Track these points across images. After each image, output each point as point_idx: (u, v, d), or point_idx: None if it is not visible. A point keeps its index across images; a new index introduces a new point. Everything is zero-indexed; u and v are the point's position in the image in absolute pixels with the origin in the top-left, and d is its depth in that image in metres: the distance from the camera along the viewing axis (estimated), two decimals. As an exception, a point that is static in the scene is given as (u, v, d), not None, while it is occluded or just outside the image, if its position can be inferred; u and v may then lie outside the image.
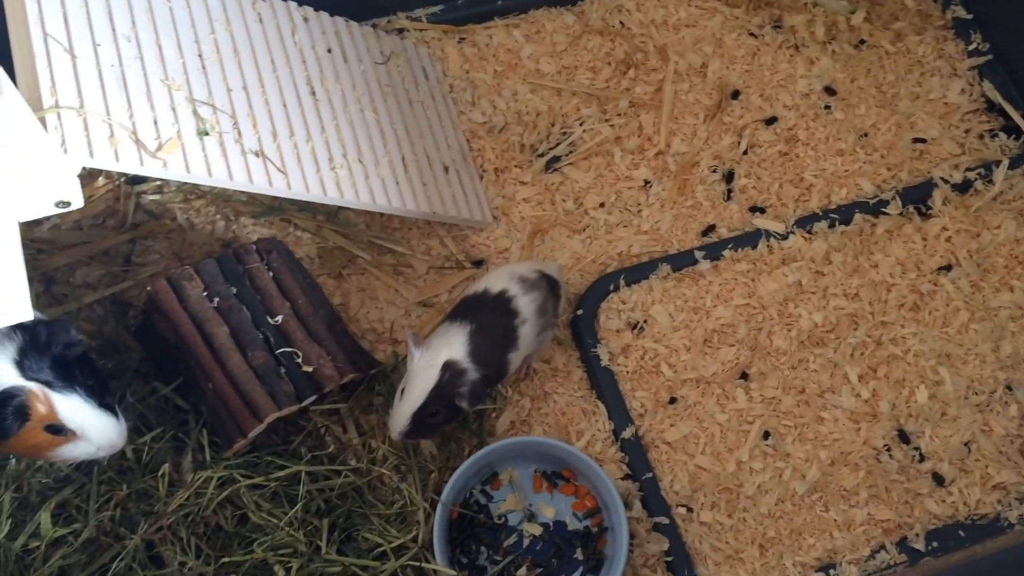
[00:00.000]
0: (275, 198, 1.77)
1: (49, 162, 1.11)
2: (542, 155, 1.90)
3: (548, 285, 1.57)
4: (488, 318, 1.49)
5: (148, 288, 1.45)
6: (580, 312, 1.70)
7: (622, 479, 1.59)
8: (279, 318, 1.47)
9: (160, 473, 1.45)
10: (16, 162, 1.05)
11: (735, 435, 1.64)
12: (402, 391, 1.45)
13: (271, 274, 1.51)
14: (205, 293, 1.45)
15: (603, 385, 1.64)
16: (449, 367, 1.43)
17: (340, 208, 1.77)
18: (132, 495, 1.46)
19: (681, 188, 1.87)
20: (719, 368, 1.68)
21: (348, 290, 1.74)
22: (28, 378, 1.27)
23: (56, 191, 1.13)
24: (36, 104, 1.19)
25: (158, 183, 1.77)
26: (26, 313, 1.11)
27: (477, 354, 1.45)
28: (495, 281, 1.54)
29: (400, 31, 1.93)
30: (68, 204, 1.15)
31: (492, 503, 1.56)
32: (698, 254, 1.76)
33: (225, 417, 1.43)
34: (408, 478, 1.53)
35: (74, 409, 1.30)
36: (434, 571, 1.43)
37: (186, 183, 1.75)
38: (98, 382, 1.35)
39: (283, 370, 1.44)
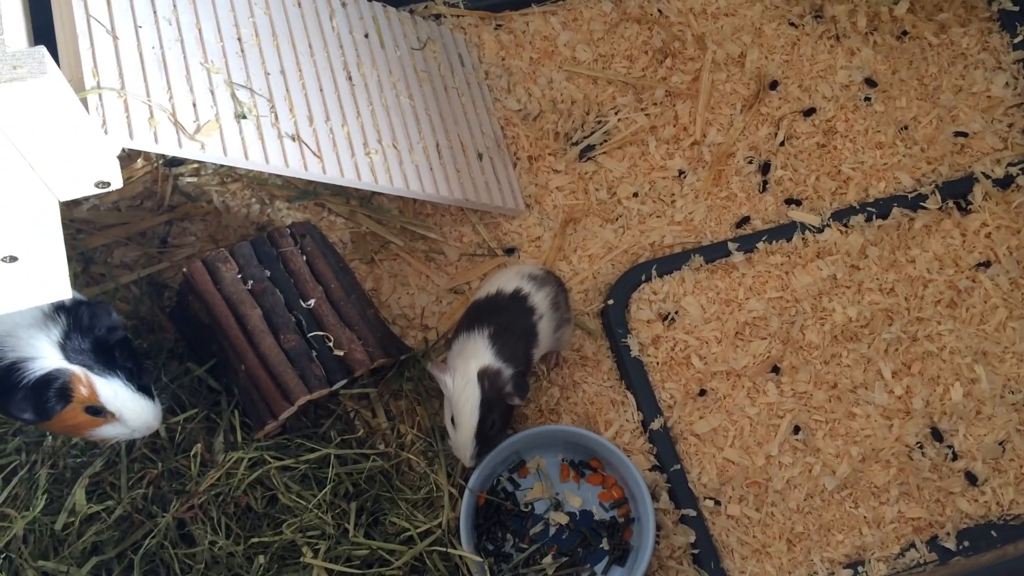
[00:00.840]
0: (310, 182, 1.78)
1: (90, 143, 1.12)
2: (576, 143, 1.89)
3: (556, 281, 1.58)
4: (506, 318, 1.49)
5: (184, 269, 1.47)
6: (611, 302, 1.70)
7: (649, 470, 1.59)
8: (312, 302, 1.48)
9: (192, 453, 1.48)
10: (58, 142, 1.07)
11: (765, 429, 1.63)
12: (451, 420, 1.46)
13: (304, 258, 1.52)
14: (239, 275, 1.47)
15: (633, 375, 1.64)
16: (485, 374, 1.43)
17: (374, 193, 1.78)
18: (164, 474, 1.48)
19: (716, 179, 1.86)
20: (750, 361, 1.67)
21: (380, 275, 1.74)
22: (71, 360, 1.30)
23: (96, 171, 1.14)
24: (78, 85, 1.20)
25: (195, 165, 1.79)
26: (65, 292, 1.13)
27: (504, 353, 1.46)
28: (507, 281, 1.54)
29: (437, 17, 1.93)
30: (108, 184, 1.16)
31: (519, 491, 1.57)
32: (731, 246, 1.75)
33: (257, 399, 1.44)
34: (435, 464, 1.54)
35: (114, 392, 1.33)
36: (460, 556, 1.43)
37: (223, 166, 1.77)
38: (136, 365, 1.38)
39: (314, 353, 1.46)
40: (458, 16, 1.96)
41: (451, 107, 1.78)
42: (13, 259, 1.02)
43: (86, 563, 1.38)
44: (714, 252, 1.75)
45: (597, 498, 1.56)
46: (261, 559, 1.41)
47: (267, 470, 1.46)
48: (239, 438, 1.48)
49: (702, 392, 1.65)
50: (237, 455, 1.45)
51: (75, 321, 1.32)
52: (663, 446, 1.59)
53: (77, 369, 1.30)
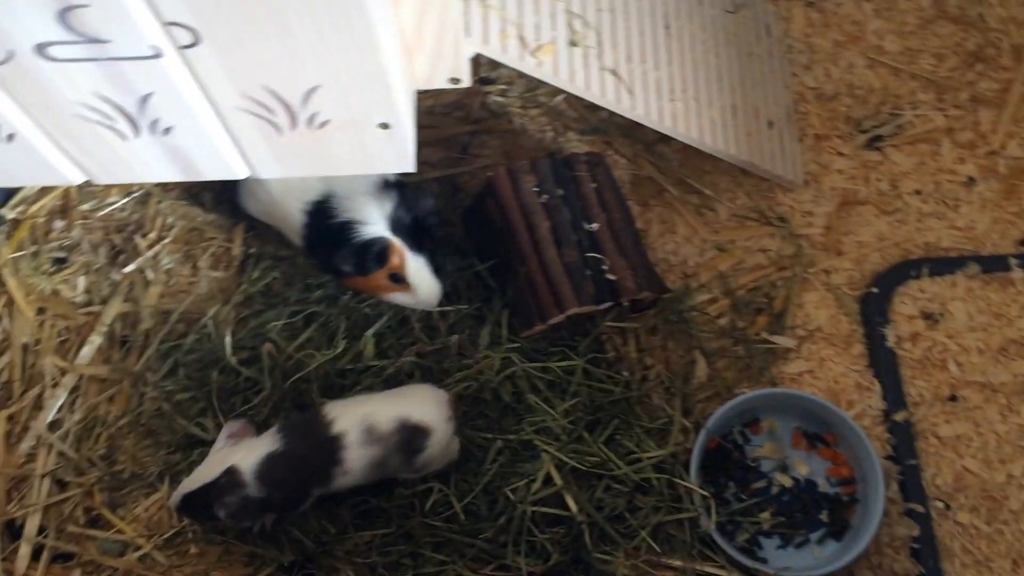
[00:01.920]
0: (602, 120, 1.89)
1: (453, 41, 1.27)
2: (866, 131, 1.89)
3: (402, 440, 1.43)
4: (304, 450, 1.41)
5: (489, 174, 1.61)
6: (875, 290, 1.71)
7: (884, 459, 1.60)
8: (595, 225, 1.59)
9: (456, 338, 1.63)
10: (432, 36, 1.21)
11: (1012, 448, 1.60)
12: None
13: (595, 185, 1.63)
14: (536, 189, 1.60)
15: (883, 365, 1.65)
16: (229, 473, 1.37)
17: (658, 140, 1.87)
18: (433, 352, 1.64)
19: (1008, 192, 1.81)
20: (1010, 379, 1.64)
21: (650, 219, 1.83)
22: (393, 232, 1.48)
23: (452, 69, 1.28)
24: (451, -11, 1.35)
25: (503, 87, 1.94)
26: (410, 166, 1.29)
27: (266, 477, 1.38)
28: (341, 415, 1.43)
29: (754, -15, 1.97)
30: (459, 82, 1.30)
31: (748, 445, 1.62)
32: (1013, 261, 1.71)
33: (530, 301, 1.57)
34: (674, 401, 1.62)
35: (417, 267, 1.51)
36: (685, 487, 1.51)
37: (527, 91, 1.91)
38: (436, 248, 1.55)
39: (589, 272, 1.56)
40: (774, -12, 2.00)
41: (751, 73, 1.83)
42: (386, 126, 1.17)
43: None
44: (993, 264, 1.71)
45: (825, 472, 1.59)
46: (499, 443, 1.55)
47: (522, 368, 1.59)
48: (504, 335, 1.62)
49: (952, 397, 1.63)
50: (501, 351, 1.59)
51: (402, 199, 1.50)
52: (902, 439, 1.59)
53: (396, 240, 1.48)
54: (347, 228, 1.49)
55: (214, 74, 1.04)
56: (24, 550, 1.55)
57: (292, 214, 1.57)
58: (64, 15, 0.93)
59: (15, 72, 1.03)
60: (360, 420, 1.42)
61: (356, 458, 1.42)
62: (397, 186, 1.54)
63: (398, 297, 1.56)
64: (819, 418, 1.60)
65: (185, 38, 0.97)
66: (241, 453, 1.41)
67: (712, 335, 1.71)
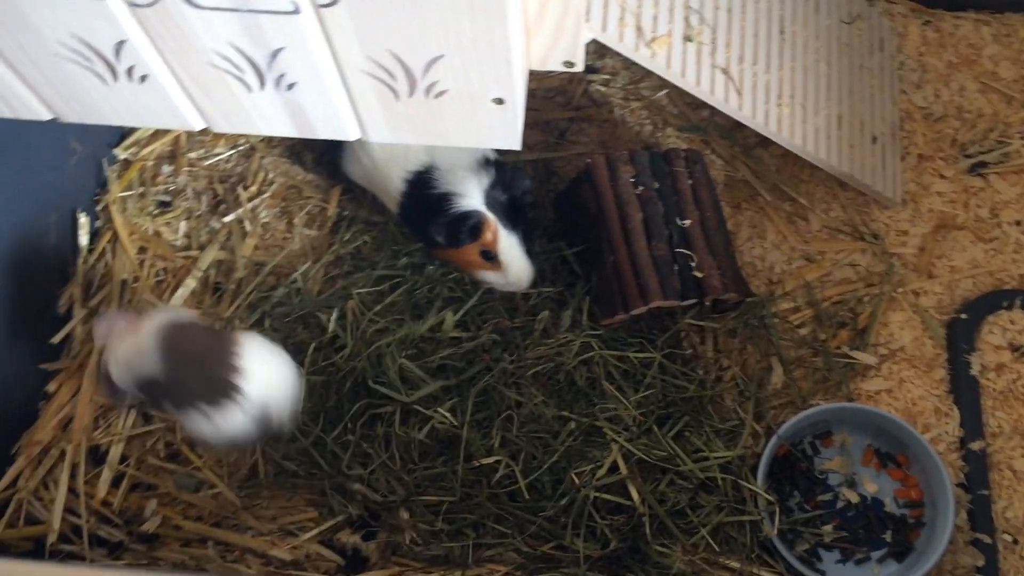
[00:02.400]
0: (702, 118, 1.89)
1: (572, 24, 1.28)
2: (970, 156, 1.86)
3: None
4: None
5: (587, 160, 1.63)
6: (963, 316, 1.68)
7: (955, 486, 1.58)
8: (687, 222, 1.60)
9: (539, 318, 1.65)
10: (553, 17, 1.23)
11: (1090, 491, 1.56)
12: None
13: (691, 182, 1.64)
14: (632, 179, 1.61)
15: (964, 392, 1.62)
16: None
17: (757, 144, 1.86)
18: (512, 329, 1.67)
19: (1114, 232, 1.76)
20: (1096, 421, 1.60)
21: (741, 222, 1.83)
22: (488, 208, 1.51)
23: (568, 52, 1.30)
24: (573, -26, 1.37)
25: (606, 76, 1.95)
26: (516, 143, 1.31)
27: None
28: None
29: (871, -2, 1.95)
30: (572, 66, 1.32)
31: (818, 457, 1.61)
32: (1113, 303, 1.67)
33: (615, 290, 1.58)
34: (747, 404, 1.62)
35: (509, 246, 1.53)
36: (750, 490, 1.51)
37: (630, 83, 1.92)
38: (528, 230, 1.57)
39: (676, 267, 1.57)
40: (891, 3, 1.97)
41: (860, 86, 1.81)
42: (501, 101, 1.20)
43: (434, 379, 1.60)
44: (1091, 303, 1.68)
45: (893, 492, 1.58)
46: (572, 425, 1.57)
47: (600, 355, 1.61)
48: (584, 320, 1.64)
49: (1033, 432, 1.60)
50: (581, 336, 1.61)
51: (500, 176, 1.53)
52: (976, 468, 1.57)
53: (491, 216, 1.51)
54: (445, 200, 1.52)
55: (345, 35, 1.07)
56: (106, 475, 1.63)
57: (392, 181, 1.61)
58: (215, -35, 0.98)
59: (159, 15, 1.08)
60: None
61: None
62: (496, 164, 1.57)
63: (489, 276, 1.59)
64: (894, 438, 1.58)
65: (325, -3, 1.01)
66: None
67: (792, 344, 1.70)
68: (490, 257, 1.54)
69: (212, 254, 1.79)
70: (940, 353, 1.69)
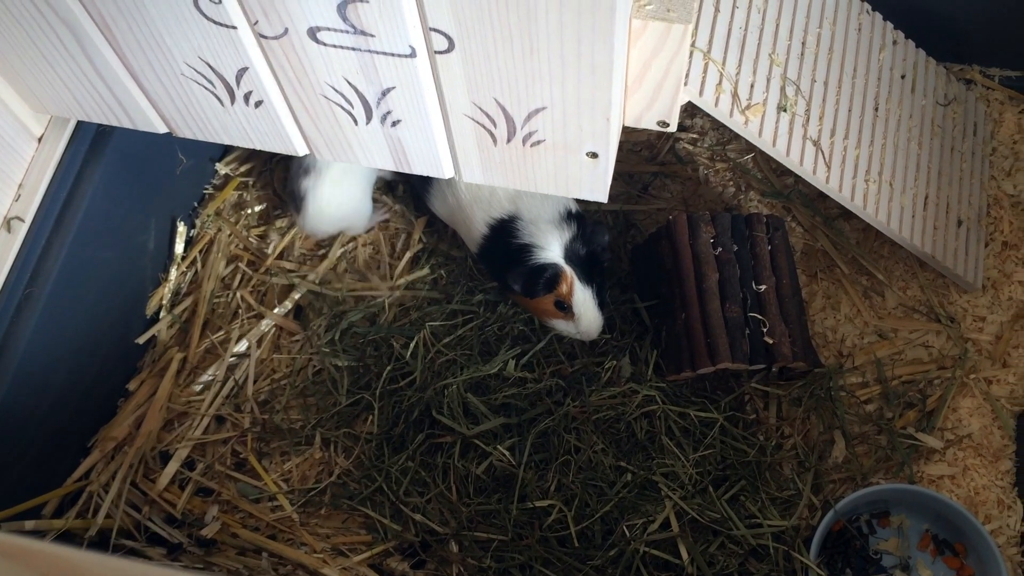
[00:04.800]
0: (785, 185, 1.90)
1: (672, 87, 1.32)
2: (1057, 248, 1.84)
3: None
4: None
5: (670, 217, 1.65)
6: (1036, 410, 1.66)
7: (1013, 581, 1.55)
8: (763, 287, 1.61)
9: (605, 366, 1.67)
10: (654, 77, 1.27)
11: None
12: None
13: (770, 248, 1.65)
14: (712, 240, 1.63)
15: (1031, 487, 1.60)
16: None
17: (840, 216, 1.87)
18: (575, 374, 1.69)
19: None
20: None
21: (815, 291, 1.83)
22: (567, 260, 1.55)
23: (664, 112, 1.33)
24: (675, 38, 1.41)
25: (694, 135, 1.98)
26: (603, 196, 1.34)
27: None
28: None
29: (968, 82, 1.95)
30: (667, 125, 1.35)
31: (873, 536, 1.60)
32: None
33: (684, 347, 1.60)
34: (806, 476, 1.61)
35: (583, 299, 1.57)
36: (803, 562, 1.50)
37: (718, 144, 1.95)
38: (602, 283, 1.61)
39: (747, 331, 1.58)
40: (988, 88, 1.96)
41: (950, 168, 1.81)
42: (595, 155, 1.24)
43: (496, 415, 1.63)
44: None
45: (948, 580, 1.55)
46: (628, 476, 1.58)
47: (663, 409, 1.62)
48: (650, 373, 1.65)
49: (1100, 536, 1.56)
50: (644, 389, 1.62)
51: (581, 231, 1.57)
52: (1037, 566, 1.54)
53: (568, 269, 1.55)
54: (525, 251, 1.57)
55: (455, 81, 1.13)
56: (170, 476, 1.68)
57: (475, 223, 1.66)
58: (343, 7, 1.04)
59: (284, 47, 1.14)
60: None
61: None
62: (578, 217, 1.61)
63: (559, 324, 1.62)
64: (953, 525, 1.56)
65: (441, 44, 1.06)
66: None
67: (856, 419, 1.69)
68: (563, 308, 1.58)
69: (317, 274, 1.84)
70: (1008, 444, 1.67)
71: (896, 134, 1.71)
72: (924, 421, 1.69)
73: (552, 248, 1.57)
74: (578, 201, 1.71)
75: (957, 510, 1.54)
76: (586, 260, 1.58)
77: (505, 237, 1.62)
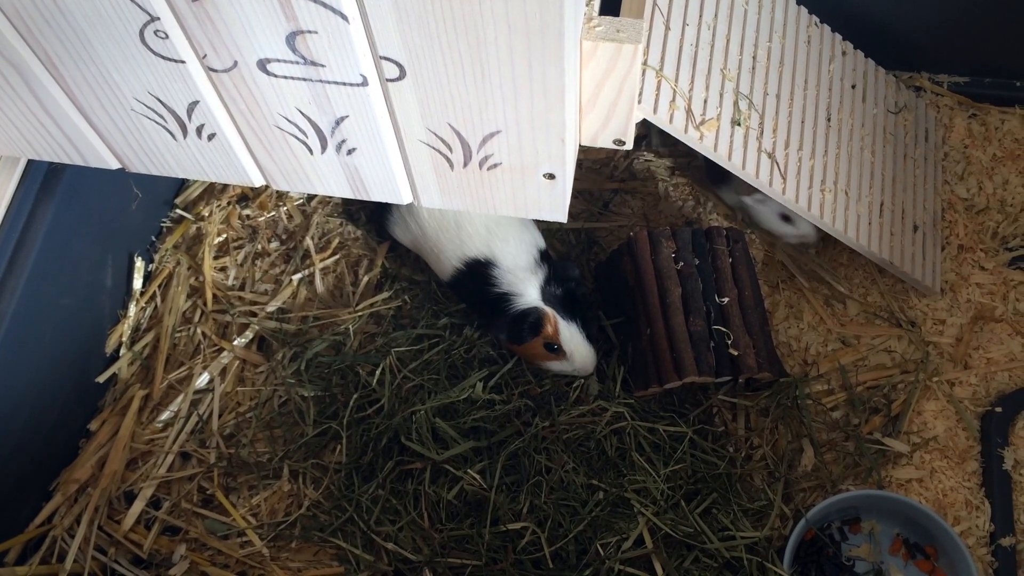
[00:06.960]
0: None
1: (625, 105, 1.33)
2: (1011, 249, 1.87)
3: None
4: None
5: (631, 234, 1.66)
6: (998, 409, 1.68)
7: (984, 582, 1.56)
8: (725, 299, 1.62)
9: (573, 385, 1.67)
10: (609, 98, 1.27)
11: (1124, 597, 1.54)
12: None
13: (731, 260, 1.66)
14: (674, 255, 1.64)
15: (997, 487, 1.61)
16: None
17: (798, 228, 1.88)
18: (543, 394, 1.69)
19: None
20: None
21: (778, 301, 1.84)
22: (546, 302, 1.56)
23: (619, 131, 1.34)
24: (626, 57, 1.42)
25: (653, 152, 1.99)
26: (562, 216, 1.34)
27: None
28: None
29: (918, 89, 1.98)
30: (622, 144, 1.36)
31: (845, 543, 1.61)
32: None
33: (650, 363, 1.60)
34: (776, 485, 1.62)
35: (571, 336, 1.57)
36: (776, 573, 1.50)
37: (677, 159, 1.96)
38: (586, 316, 1.61)
39: (712, 344, 1.59)
40: (937, 94, 2.00)
41: (904, 175, 1.84)
42: (551, 176, 1.24)
43: (466, 439, 1.62)
44: None
45: (921, 584, 1.56)
46: (600, 494, 1.58)
47: (632, 425, 1.62)
48: (617, 390, 1.65)
49: (1067, 533, 1.58)
50: (612, 406, 1.63)
51: (553, 271, 1.59)
52: (1006, 565, 1.55)
53: (549, 310, 1.56)
54: (505, 300, 1.58)
55: (409, 107, 1.12)
56: (135, 516, 1.65)
57: (447, 257, 1.66)
58: (292, 38, 1.03)
59: (234, 80, 1.13)
60: None
61: None
62: (547, 259, 1.63)
63: (555, 366, 1.63)
64: (923, 529, 1.57)
65: (392, 72, 1.06)
66: None
67: (824, 426, 1.70)
68: (554, 348, 1.58)
69: (276, 304, 1.83)
70: (973, 445, 1.69)
71: (849, 143, 1.73)
72: (890, 426, 1.70)
73: (530, 293, 1.59)
74: (537, 223, 1.72)
75: (926, 513, 1.55)
76: (564, 297, 1.59)
77: (482, 282, 1.62)
